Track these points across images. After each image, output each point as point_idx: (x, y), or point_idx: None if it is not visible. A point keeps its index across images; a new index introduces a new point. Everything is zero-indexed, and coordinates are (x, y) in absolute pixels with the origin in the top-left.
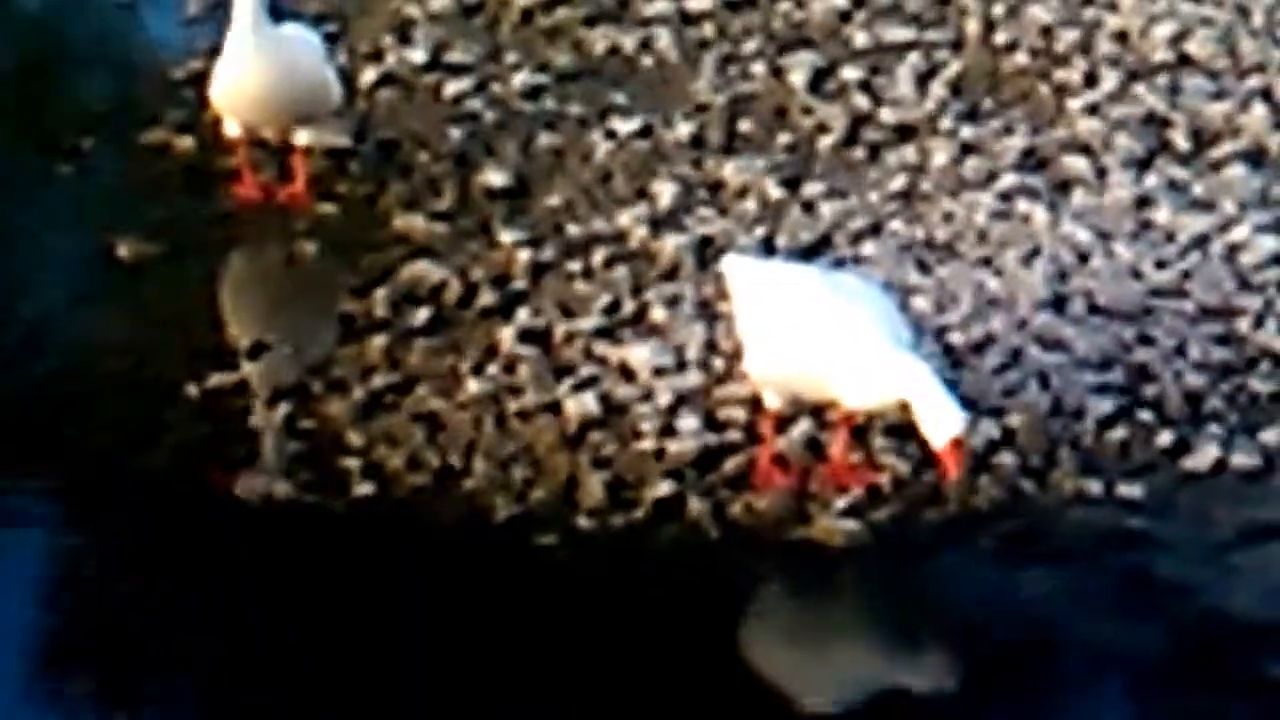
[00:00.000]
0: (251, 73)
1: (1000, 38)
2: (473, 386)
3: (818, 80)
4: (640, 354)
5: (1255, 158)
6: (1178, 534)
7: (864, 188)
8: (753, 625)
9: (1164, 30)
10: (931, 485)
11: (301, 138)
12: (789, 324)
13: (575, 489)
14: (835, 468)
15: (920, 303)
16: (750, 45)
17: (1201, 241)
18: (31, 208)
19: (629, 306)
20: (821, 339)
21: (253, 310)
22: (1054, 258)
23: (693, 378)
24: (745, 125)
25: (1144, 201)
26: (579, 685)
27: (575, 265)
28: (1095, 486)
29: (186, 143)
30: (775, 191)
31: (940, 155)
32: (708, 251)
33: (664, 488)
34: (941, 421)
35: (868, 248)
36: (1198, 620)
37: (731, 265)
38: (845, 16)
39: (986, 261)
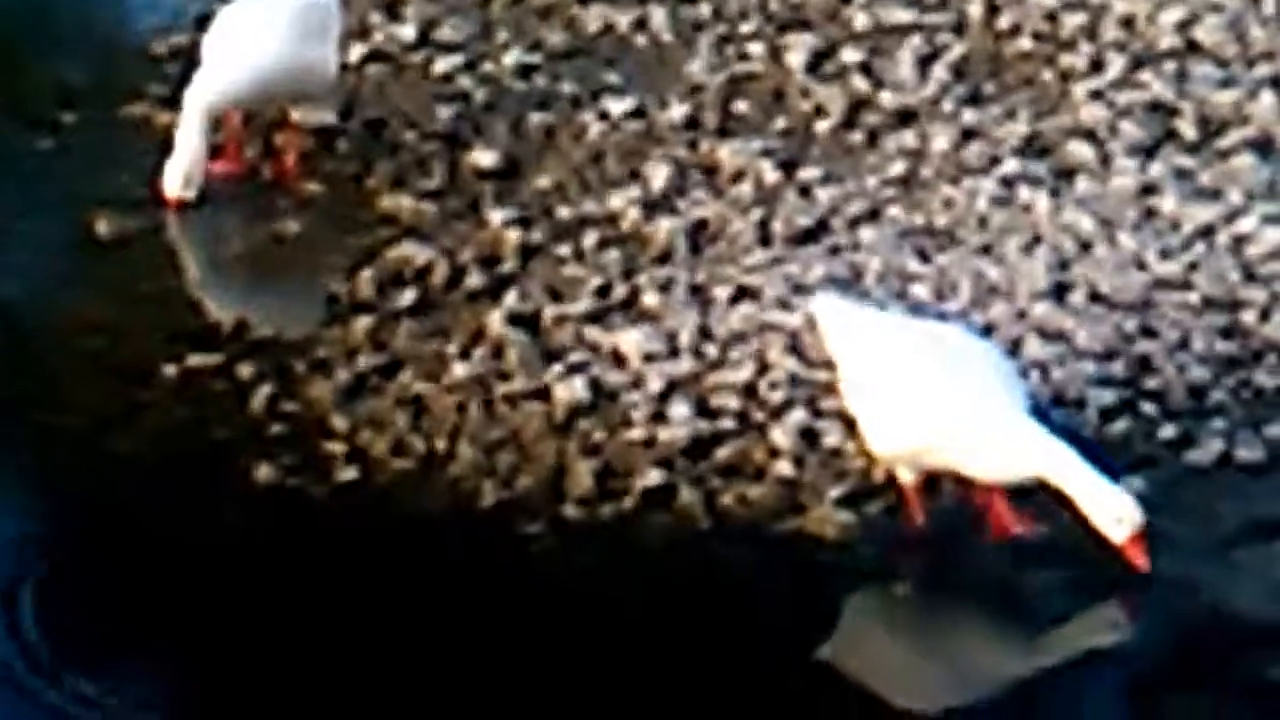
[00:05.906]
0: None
1: (1004, 21)
2: (459, 370)
3: (816, 62)
4: (631, 339)
5: (1263, 147)
6: (1180, 529)
7: (862, 172)
8: (743, 617)
9: (1171, 16)
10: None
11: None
12: (912, 398)
13: (563, 477)
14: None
15: (919, 290)
16: (747, 26)
17: (1207, 232)
18: (9, 183)
19: (620, 290)
20: (951, 414)
21: (234, 290)
22: (1056, 246)
23: (684, 364)
24: (741, 107)
25: (1149, 190)
26: (565, 675)
27: (565, 248)
28: None
29: (167, 118)
30: (771, 175)
31: (941, 140)
32: (701, 235)
33: (654, 476)
34: (1111, 511)
35: (865, 234)
36: (1199, 617)
37: (825, 309)
38: None
39: (987, 249)
